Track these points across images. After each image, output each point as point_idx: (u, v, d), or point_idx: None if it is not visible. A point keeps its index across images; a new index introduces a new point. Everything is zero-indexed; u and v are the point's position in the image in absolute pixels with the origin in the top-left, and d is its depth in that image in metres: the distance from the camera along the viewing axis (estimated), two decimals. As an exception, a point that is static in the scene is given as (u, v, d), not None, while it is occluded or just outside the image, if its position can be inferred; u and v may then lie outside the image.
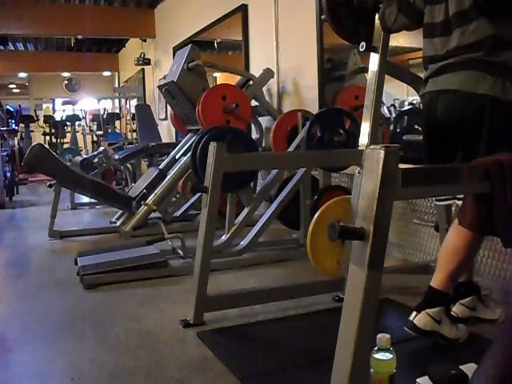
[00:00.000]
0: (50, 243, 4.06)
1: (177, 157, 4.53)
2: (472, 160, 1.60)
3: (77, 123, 10.95)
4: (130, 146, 7.37)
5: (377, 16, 2.22)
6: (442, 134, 1.88)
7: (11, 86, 14.53)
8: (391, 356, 1.35)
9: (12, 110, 10.31)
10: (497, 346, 0.88)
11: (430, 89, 1.89)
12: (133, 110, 9.46)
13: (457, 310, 1.99)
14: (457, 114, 1.79)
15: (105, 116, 10.32)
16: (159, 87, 4.55)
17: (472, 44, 1.74)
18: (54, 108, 12.83)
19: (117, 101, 12.51)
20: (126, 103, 11.45)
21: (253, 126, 4.74)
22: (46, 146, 4.68)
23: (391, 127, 3.66)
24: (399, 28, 2.15)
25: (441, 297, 1.81)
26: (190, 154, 3.66)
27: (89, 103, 12.72)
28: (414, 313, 1.83)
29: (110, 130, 10.01)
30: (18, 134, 9.50)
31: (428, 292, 1.84)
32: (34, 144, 4.33)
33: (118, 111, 11.81)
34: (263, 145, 4.59)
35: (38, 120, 11.44)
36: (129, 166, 6.52)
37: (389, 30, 2.18)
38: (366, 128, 2.26)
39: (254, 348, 1.96)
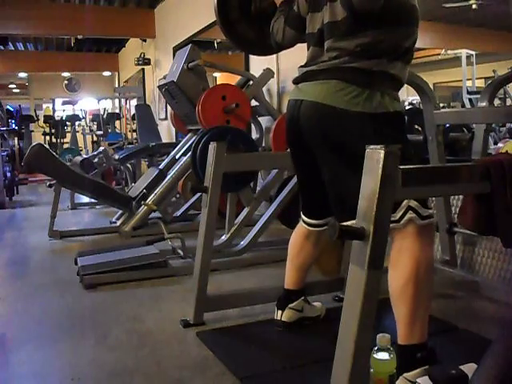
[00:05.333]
0: (50, 243, 4.06)
1: (177, 157, 4.53)
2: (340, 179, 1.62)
3: (77, 123, 10.96)
4: (130, 145, 7.38)
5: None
6: (303, 145, 1.80)
7: (11, 85, 14.54)
8: (391, 356, 1.35)
9: (12, 109, 10.31)
10: (497, 345, 0.87)
11: (293, 96, 1.79)
12: (133, 110, 9.46)
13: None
14: (317, 127, 1.67)
15: (105, 116, 10.32)
16: (159, 87, 4.55)
17: (339, 55, 1.63)
18: (54, 108, 12.82)
19: (117, 101, 12.51)
20: (126, 103, 11.45)
21: (253, 126, 4.74)
22: (46, 145, 4.68)
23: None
24: (290, 42, 2.02)
25: (297, 293, 2.09)
26: (190, 154, 3.66)
27: (89, 103, 12.71)
28: (280, 312, 2.07)
29: (110, 130, 10.01)
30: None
31: (285, 293, 2.09)
32: (33, 144, 4.33)
33: (118, 111, 11.81)
34: (263, 145, 4.59)
35: (38, 120, 11.44)
36: (129, 165, 6.53)
37: (280, 46, 2.07)
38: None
39: (254, 348, 1.96)
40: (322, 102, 1.62)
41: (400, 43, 1.63)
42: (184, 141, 4.71)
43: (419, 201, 1.53)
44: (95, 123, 10.69)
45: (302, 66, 1.81)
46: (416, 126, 3.44)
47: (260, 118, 4.63)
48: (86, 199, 5.82)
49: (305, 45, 1.89)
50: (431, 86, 3.15)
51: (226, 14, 2.21)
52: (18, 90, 14.68)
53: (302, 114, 1.73)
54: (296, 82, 1.80)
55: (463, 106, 5.13)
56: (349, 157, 1.58)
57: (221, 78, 7.87)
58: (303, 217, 2.02)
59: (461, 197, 2.18)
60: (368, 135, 1.54)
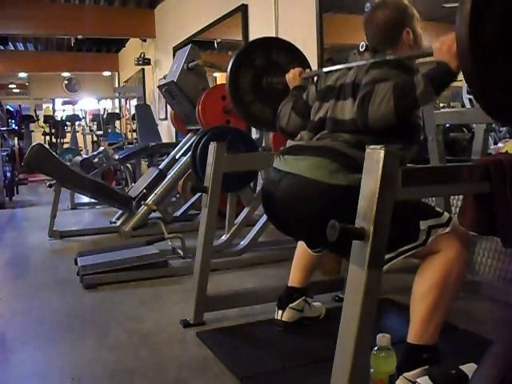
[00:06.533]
0: (50, 243, 4.06)
1: (177, 157, 4.53)
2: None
3: (77, 123, 10.94)
4: (130, 145, 7.38)
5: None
6: (276, 216, 1.80)
7: (11, 85, 14.52)
8: (391, 356, 1.35)
9: (12, 109, 10.31)
10: (497, 345, 0.87)
11: (277, 165, 1.75)
12: (133, 110, 9.45)
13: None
14: (297, 201, 1.64)
15: (105, 116, 10.32)
16: (159, 87, 4.55)
17: (331, 140, 1.64)
18: (54, 108, 12.82)
19: (117, 101, 12.50)
20: (126, 103, 11.44)
21: (253, 126, 4.74)
22: (46, 145, 4.68)
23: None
24: (293, 129, 2.01)
25: (299, 292, 2.10)
26: (190, 153, 3.66)
27: (89, 103, 12.71)
28: (280, 311, 2.07)
29: (110, 130, 10.00)
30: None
31: (287, 291, 2.11)
32: (33, 144, 4.33)
33: (118, 111, 11.80)
34: (263, 145, 4.58)
35: (38, 120, 11.43)
36: (129, 165, 6.53)
37: (283, 131, 2.08)
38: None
39: (254, 348, 1.96)
40: (305, 176, 1.60)
41: None
42: (184, 141, 4.71)
43: (432, 215, 1.53)
44: (95, 123, 10.68)
45: (291, 139, 1.84)
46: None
47: (260, 118, 4.63)
48: (86, 199, 5.82)
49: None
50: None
51: (240, 99, 2.34)
52: (17, 90, 14.66)
53: (281, 186, 1.68)
54: (282, 153, 1.79)
55: (463, 105, 5.13)
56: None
57: (221, 77, 7.86)
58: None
59: (461, 197, 2.18)
60: (346, 206, 1.38)
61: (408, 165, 1.35)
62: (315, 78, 2.05)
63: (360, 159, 1.27)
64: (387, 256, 1.47)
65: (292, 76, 2.16)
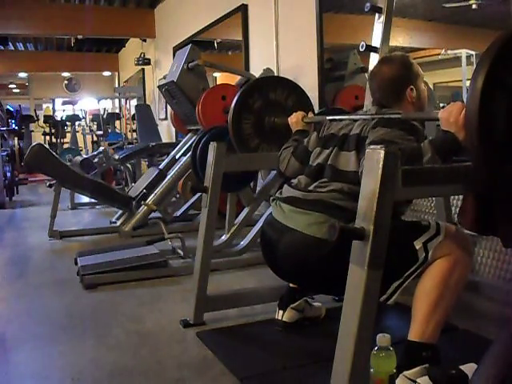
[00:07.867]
0: (50, 243, 4.06)
1: (177, 157, 4.54)
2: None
3: (77, 123, 10.94)
4: (130, 145, 7.38)
5: None
6: (276, 266, 1.81)
7: (11, 85, 14.52)
8: (391, 356, 1.35)
9: (12, 109, 10.30)
10: (497, 345, 0.87)
11: (277, 215, 1.76)
12: (133, 110, 9.45)
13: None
14: (298, 256, 1.67)
15: (105, 116, 10.31)
16: (159, 87, 4.55)
17: (328, 191, 1.66)
18: (54, 108, 12.81)
19: (117, 101, 12.50)
20: (126, 103, 11.44)
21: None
22: (46, 145, 4.68)
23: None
24: (292, 173, 2.04)
25: (301, 292, 2.09)
26: (190, 154, 3.66)
27: (89, 103, 12.70)
28: (281, 312, 2.07)
29: (109, 130, 10.00)
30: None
31: (288, 291, 2.10)
32: (34, 144, 4.33)
33: (118, 111, 11.80)
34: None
35: (38, 120, 11.43)
36: (129, 166, 6.53)
37: (282, 174, 2.11)
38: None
39: (254, 348, 1.96)
40: (303, 232, 1.63)
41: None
42: (184, 141, 4.71)
43: (421, 230, 1.54)
44: (95, 123, 10.68)
45: (289, 185, 1.84)
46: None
47: (260, 118, 4.62)
48: (86, 199, 5.82)
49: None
50: (431, 86, 3.15)
51: (246, 145, 2.44)
52: (18, 90, 14.65)
53: (283, 242, 1.71)
54: (279, 199, 1.79)
55: (463, 106, 5.12)
56: (327, 277, 1.61)
57: (221, 77, 7.86)
58: None
59: (461, 197, 2.18)
60: (342, 256, 1.37)
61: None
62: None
63: (355, 210, 1.30)
64: (395, 284, 1.52)
65: (295, 120, 2.20)
